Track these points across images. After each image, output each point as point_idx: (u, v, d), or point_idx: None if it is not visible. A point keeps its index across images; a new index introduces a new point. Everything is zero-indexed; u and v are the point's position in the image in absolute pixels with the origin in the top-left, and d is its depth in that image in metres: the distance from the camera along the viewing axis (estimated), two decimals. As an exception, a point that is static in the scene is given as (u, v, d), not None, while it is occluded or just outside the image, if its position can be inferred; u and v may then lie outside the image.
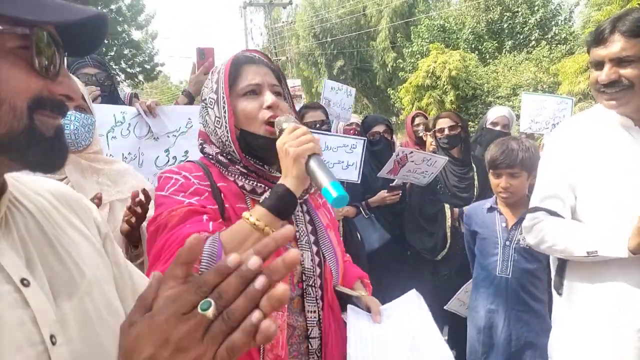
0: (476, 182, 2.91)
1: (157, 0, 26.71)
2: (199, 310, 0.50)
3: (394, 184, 3.04)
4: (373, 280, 1.45)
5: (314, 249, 1.20)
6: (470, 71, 13.50)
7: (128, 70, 18.04)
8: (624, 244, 1.45)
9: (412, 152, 2.79)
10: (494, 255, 2.30)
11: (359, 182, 2.84)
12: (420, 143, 3.88)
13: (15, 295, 0.57)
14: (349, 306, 1.23)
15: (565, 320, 1.71)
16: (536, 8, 15.95)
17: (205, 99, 1.21)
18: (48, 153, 0.61)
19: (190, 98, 2.54)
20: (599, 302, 1.58)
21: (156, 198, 1.15)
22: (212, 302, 0.50)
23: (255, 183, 1.16)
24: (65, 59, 0.65)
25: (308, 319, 1.15)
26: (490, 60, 14.94)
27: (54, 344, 0.58)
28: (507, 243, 2.27)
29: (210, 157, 1.20)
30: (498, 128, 3.24)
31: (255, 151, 1.17)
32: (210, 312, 0.50)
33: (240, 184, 1.16)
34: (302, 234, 1.20)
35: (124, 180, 1.73)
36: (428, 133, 3.42)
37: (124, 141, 2.33)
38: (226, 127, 1.15)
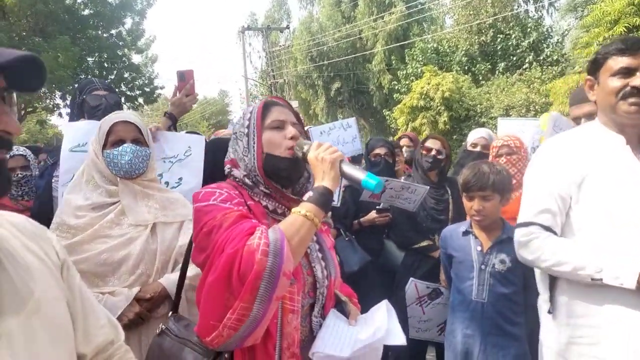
0: (451, 205, 2.93)
1: (157, 24, 27.22)
2: None
3: (380, 206, 3.07)
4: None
5: (322, 263, 1.39)
6: (463, 92, 13.64)
7: (128, 93, 18.20)
8: (634, 276, 1.45)
9: (387, 180, 2.81)
10: (470, 280, 2.28)
11: (338, 204, 2.86)
12: (409, 163, 3.94)
13: None
14: (332, 310, 1.40)
15: (560, 337, 1.70)
16: (528, 30, 16.23)
17: (236, 132, 1.42)
18: None
19: (173, 119, 2.54)
20: (600, 314, 1.58)
21: (200, 208, 1.27)
22: None
23: (276, 204, 1.36)
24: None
25: (313, 323, 1.34)
26: (484, 82, 15.10)
27: None
28: (483, 267, 2.25)
29: (238, 180, 1.39)
30: (478, 149, 3.27)
31: (279, 171, 1.35)
32: None
33: (264, 204, 1.35)
34: (312, 249, 1.39)
35: (172, 207, 1.94)
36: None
37: None
38: (254, 155, 1.35)
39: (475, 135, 3.39)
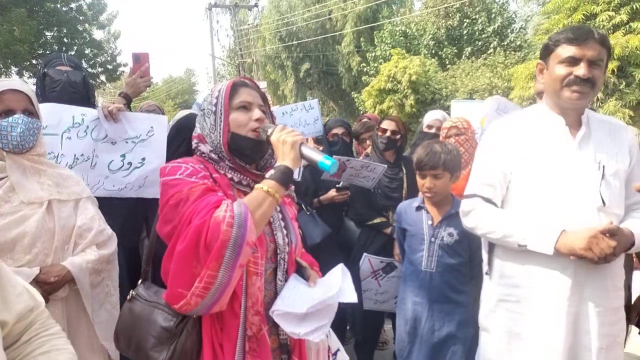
0: (405, 183, 3.07)
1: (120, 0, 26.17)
2: None
3: (340, 185, 3.19)
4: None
5: (284, 231, 1.50)
6: (429, 76, 13.89)
7: (89, 70, 17.54)
8: (552, 244, 1.64)
9: (348, 160, 2.93)
10: (421, 251, 2.43)
11: (299, 179, 2.98)
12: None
13: None
14: (293, 274, 1.52)
15: (492, 295, 1.89)
16: (494, 15, 16.55)
17: (204, 109, 1.49)
18: None
19: (128, 99, 2.60)
20: (526, 276, 1.76)
21: (167, 182, 1.36)
22: None
23: (241, 176, 1.45)
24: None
25: (278, 287, 1.45)
26: (450, 66, 15.40)
27: None
28: (433, 240, 2.40)
29: (204, 155, 1.47)
30: (433, 131, 3.41)
31: (243, 149, 1.44)
32: None
33: (229, 176, 1.44)
34: (275, 219, 1.50)
35: (65, 184, 1.84)
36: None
37: (79, 142, 2.30)
38: (220, 132, 1.42)
39: (431, 117, 3.53)
